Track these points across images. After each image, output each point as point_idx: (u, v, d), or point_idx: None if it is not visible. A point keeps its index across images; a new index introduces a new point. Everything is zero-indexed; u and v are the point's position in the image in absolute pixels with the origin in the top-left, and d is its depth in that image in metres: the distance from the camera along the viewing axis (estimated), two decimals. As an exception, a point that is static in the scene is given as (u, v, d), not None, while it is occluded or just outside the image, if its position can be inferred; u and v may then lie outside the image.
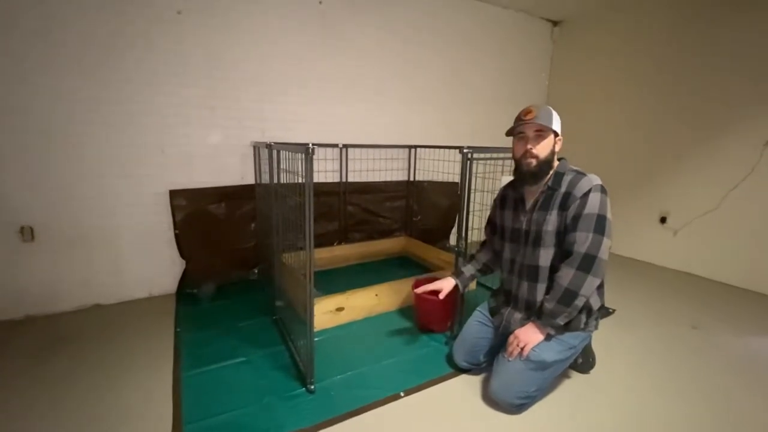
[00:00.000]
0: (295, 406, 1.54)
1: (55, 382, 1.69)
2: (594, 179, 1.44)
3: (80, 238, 2.34)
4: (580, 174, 1.47)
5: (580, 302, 1.43)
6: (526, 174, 1.52)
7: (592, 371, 1.82)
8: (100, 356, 1.89)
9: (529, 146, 1.48)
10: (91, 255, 2.39)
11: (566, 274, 1.42)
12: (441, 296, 1.82)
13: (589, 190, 1.40)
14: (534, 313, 1.57)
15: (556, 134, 1.50)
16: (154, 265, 2.59)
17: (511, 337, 1.57)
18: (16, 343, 1.99)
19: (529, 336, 1.52)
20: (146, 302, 2.53)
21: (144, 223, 2.51)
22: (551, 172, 1.52)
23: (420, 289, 1.91)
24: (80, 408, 1.53)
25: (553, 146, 1.51)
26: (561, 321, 1.48)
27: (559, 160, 1.56)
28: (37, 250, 2.25)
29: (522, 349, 1.51)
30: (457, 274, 1.88)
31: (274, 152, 2.00)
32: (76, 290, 2.38)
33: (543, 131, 1.47)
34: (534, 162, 1.48)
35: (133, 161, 2.42)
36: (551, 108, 1.50)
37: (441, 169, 3.26)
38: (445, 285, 1.83)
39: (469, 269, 1.87)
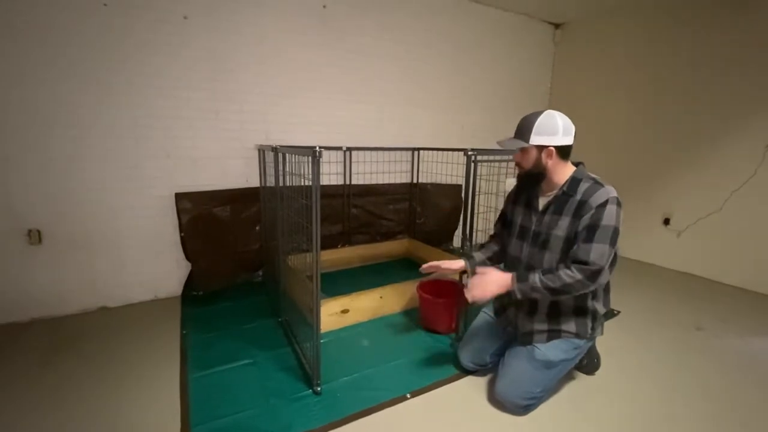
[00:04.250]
0: (302, 408, 1.55)
1: (61, 384, 1.70)
2: (611, 191, 1.42)
3: (86, 241, 2.36)
4: (598, 184, 1.46)
5: (562, 297, 1.46)
6: (518, 177, 1.64)
7: (597, 372, 1.82)
8: (106, 359, 1.90)
9: (515, 159, 1.59)
10: (97, 258, 2.41)
11: (573, 277, 1.39)
12: (443, 266, 1.75)
13: (606, 201, 1.39)
14: (538, 310, 1.56)
15: (542, 147, 1.47)
16: (159, 268, 2.60)
17: (475, 280, 1.53)
18: (23, 346, 2.01)
19: (484, 289, 1.50)
20: (152, 304, 2.54)
21: (149, 225, 2.52)
22: (567, 177, 1.51)
23: (426, 266, 1.78)
24: (87, 410, 1.54)
25: (537, 159, 1.49)
26: (531, 296, 1.47)
27: (577, 164, 1.55)
28: (44, 253, 2.26)
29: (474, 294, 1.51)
30: (467, 256, 1.81)
31: (280, 155, 2.01)
32: (82, 293, 2.40)
33: (522, 148, 1.51)
34: (523, 170, 1.57)
35: (138, 164, 2.44)
36: (541, 117, 1.46)
37: (444, 171, 3.27)
38: (453, 265, 1.75)
39: (479, 256, 1.81)
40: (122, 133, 2.37)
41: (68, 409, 1.55)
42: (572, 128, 1.48)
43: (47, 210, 2.24)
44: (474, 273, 1.72)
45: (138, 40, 2.32)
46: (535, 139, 1.46)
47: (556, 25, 4.20)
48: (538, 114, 1.48)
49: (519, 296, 1.48)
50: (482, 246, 1.88)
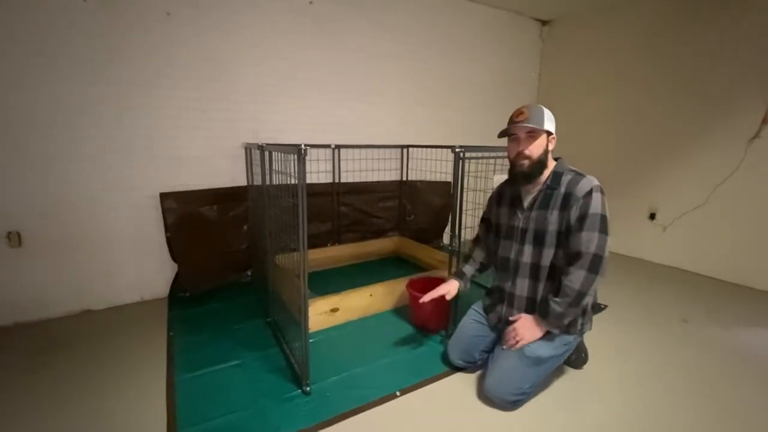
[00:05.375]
0: (291, 408, 1.54)
1: (45, 389, 1.66)
2: (593, 180, 1.46)
3: (69, 243, 2.31)
4: (579, 175, 1.49)
5: (587, 301, 1.46)
6: (519, 175, 1.55)
7: (585, 366, 1.84)
8: (91, 362, 1.86)
9: (521, 148, 1.50)
10: (80, 260, 2.35)
11: (578, 277, 1.41)
12: (448, 297, 1.81)
13: (590, 190, 1.42)
14: (539, 310, 1.57)
15: (549, 133, 1.52)
16: (145, 269, 2.56)
17: (510, 329, 1.57)
18: (5, 350, 1.96)
19: (527, 332, 1.54)
20: (138, 306, 2.50)
21: (134, 226, 2.48)
22: (549, 171, 1.54)
23: (427, 297, 1.83)
24: (71, 415, 1.51)
25: (546, 146, 1.52)
26: (567, 321, 1.50)
27: (556, 159, 1.57)
28: (25, 256, 2.20)
29: (518, 342, 1.53)
30: (459, 275, 1.87)
31: (266, 153, 1.99)
32: (65, 296, 2.34)
33: (534, 132, 1.48)
34: (527, 163, 1.50)
35: (122, 164, 2.39)
36: (544, 107, 1.51)
37: (433, 168, 3.27)
38: (450, 288, 1.82)
39: (469, 270, 1.86)
40: (104, 132, 2.31)
41: (52, 414, 1.51)
42: None
43: (27, 212, 2.18)
44: (466, 287, 1.85)
45: (121, 37, 2.27)
46: (548, 125, 1.49)
47: (544, 22, 4.23)
48: (536, 104, 1.52)
49: (558, 332, 1.53)
50: (469, 257, 1.91)
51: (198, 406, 1.55)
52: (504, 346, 1.55)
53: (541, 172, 1.53)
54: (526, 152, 1.49)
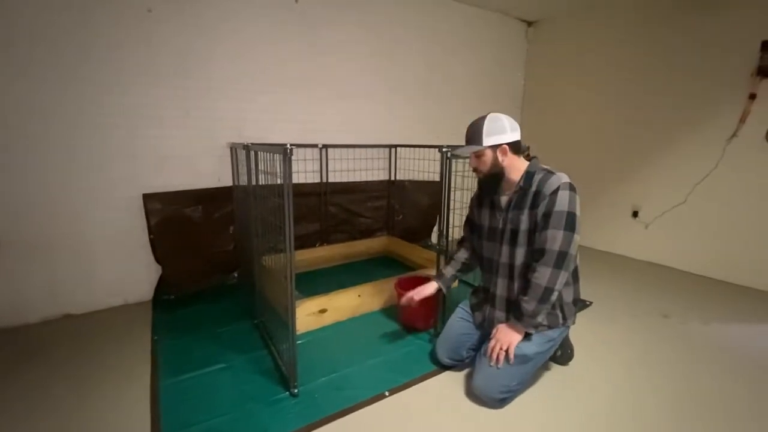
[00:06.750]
0: (279, 411, 1.52)
1: (24, 397, 1.61)
2: (562, 177, 1.48)
3: (47, 246, 2.24)
4: (550, 173, 1.52)
5: (554, 297, 1.48)
6: (479, 183, 1.67)
7: (570, 362, 1.87)
8: (72, 369, 1.81)
9: (472, 165, 1.62)
10: (59, 263, 2.29)
11: (544, 273, 1.45)
12: (417, 297, 1.85)
13: (558, 188, 1.44)
14: (513, 312, 1.59)
15: (496, 146, 1.54)
16: (128, 272, 2.50)
17: (492, 342, 1.58)
18: (-20, 358, 1.89)
19: (509, 337, 1.55)
20: (121, 310, 2.44)
21: (116, 228, 2.42)
22: (522, 173, 1.56)
23: (405, 299, 1.89)
24: (53, 424, 1.47)
25: (494, 159, 1.56)
26: (541, 319, 1.52)
27: (530, 159, 1.60)
28: (0, 260, 2.13)
29: (507, 351, 1.53)
30: (438, 276, 1.91)
31: (252, 153, 1.96)
32: (44, 300, 2.28)
33: (477, 151, 1.56)
34: (481, 175, 1.62)
35: (103, 165, 2.33)
36: (486, 121, 1.54)
37: (421, 168, 3.28)
38: (427, 290, 1.86)
39: (449, 271, 1.89)
40: (85, 132, 2.25)
41: (31, 422, 1.47)
42: (517, 125, 1.58)
43: (1, 213, 2.10)
44: (447, 290, 1.91)
45: (99, 33, 2.21)
46: (488, 140, 1.53)
47: (529, 23, 4.27)
48: (483, 118, 1.55)
49: (534, 331, 1.55)
50: (451, 258, 1.93)
51: (183, 411, 1.52)
52: (491, 364, 1.55)
53: (498, 180, 1.59)
54: (477, 168, 1.61)
